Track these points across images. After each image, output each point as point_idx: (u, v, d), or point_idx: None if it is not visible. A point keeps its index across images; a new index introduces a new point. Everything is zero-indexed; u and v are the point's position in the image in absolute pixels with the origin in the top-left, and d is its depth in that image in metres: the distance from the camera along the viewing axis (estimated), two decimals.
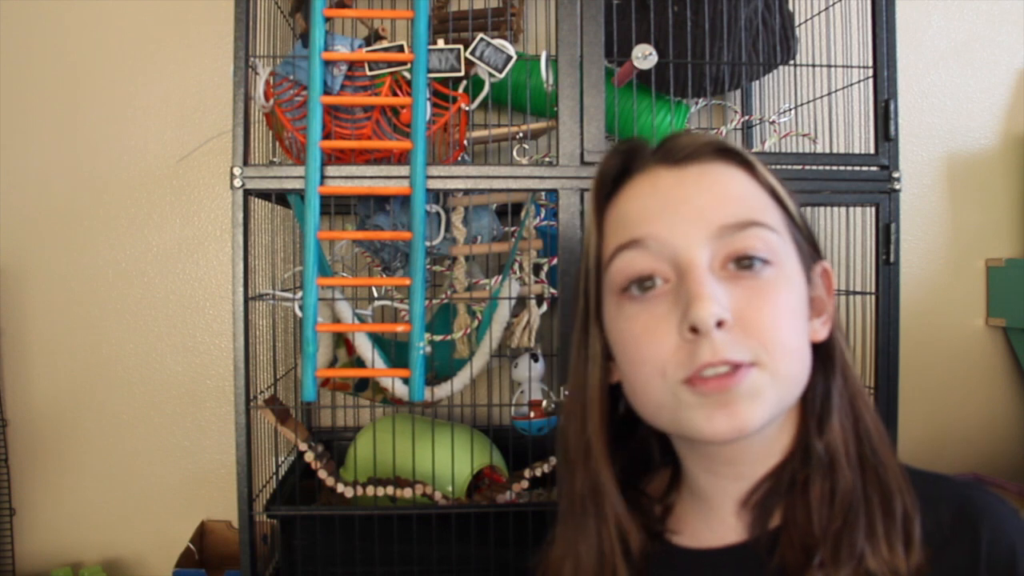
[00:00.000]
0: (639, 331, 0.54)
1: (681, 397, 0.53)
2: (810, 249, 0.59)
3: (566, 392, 0.64)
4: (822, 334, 0.58)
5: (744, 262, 0.53)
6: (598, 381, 0.59)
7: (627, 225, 0.56)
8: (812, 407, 0.57)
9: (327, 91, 1.10)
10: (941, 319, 1.63)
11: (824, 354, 0.58)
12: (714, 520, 0.60)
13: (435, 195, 1.25)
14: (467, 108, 1.15)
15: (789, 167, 1.16)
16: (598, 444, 0.59)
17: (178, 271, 1.54)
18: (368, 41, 1.20)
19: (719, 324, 0.51)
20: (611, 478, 0.59)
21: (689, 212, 0.54)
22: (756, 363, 0.51)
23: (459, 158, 1.21)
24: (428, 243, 1.23)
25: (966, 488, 0.57)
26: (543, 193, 1.24)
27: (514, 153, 1.26)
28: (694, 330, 0.51)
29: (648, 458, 0.65)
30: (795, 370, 0.54)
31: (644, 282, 0.54)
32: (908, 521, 0.53)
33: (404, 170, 1.07)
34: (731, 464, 0.58)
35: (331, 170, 1.06)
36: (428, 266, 1.34)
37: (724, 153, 0.57)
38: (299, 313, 1.08)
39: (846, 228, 1.29)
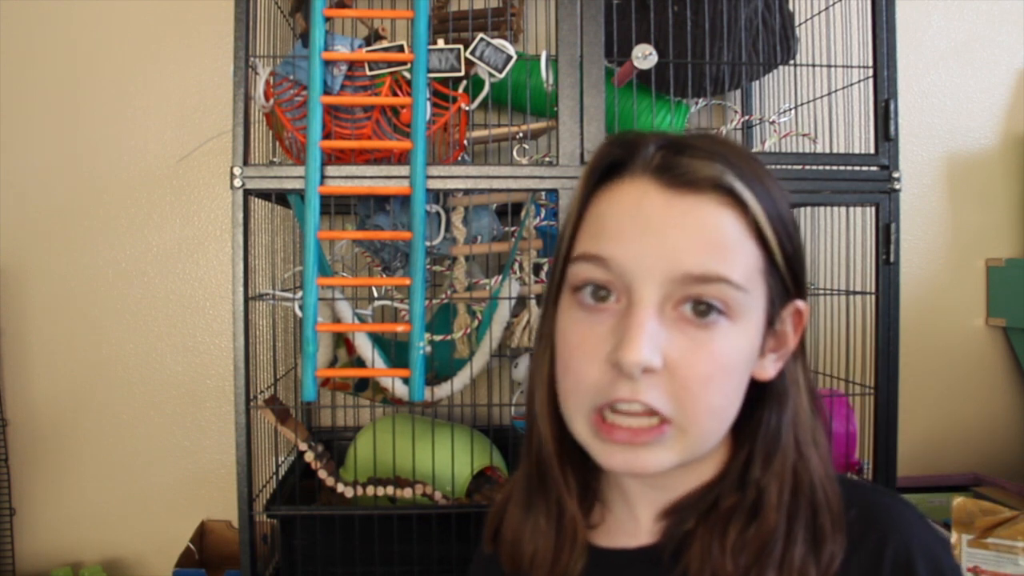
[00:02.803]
0: (575, 342, 0.54)
1: (588, 425, 0.54)
2: (789, 288, 0.57)
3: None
4: (770, 372, 0.57)
5: (700, 307, 0.52)
6: (547, 363, 0.60)
7: (599, 234, 0.54)
8: (759, 442, 0.56)
9: (327, 91, 1.10)
10: (941, 319, 1.63)
11: (776, 391, 0.57)
12: (628, 520, 0.61)
13: (435, 195, 1.25)
14: (467, 108, 1.15)
15: (789, 167, 1.16)
16: (544, 424, 0.60)
17: (178, 271, 1.54)
18: (368, 41, 1.20)
19: (646, 370, 0.50)
20: (557, 456, 0.60)
21: (660, 249, 0.52)
22: (669, 420, 0.51)
23: (459, 158, 1.21)
24: (428, 243, 1.23)
25: (876, 494, 0.57)
26: (543, 193, 1.24)
27: (514, 153, 1.26)
28: (619, 367, 0.51)
29: None
30: (711, 428, 0.54)
31: (600, 291, 0.54)
32: (831, 562, 0.53)
33: (404, 170, 1.07)
34: (650, 478, 0.59)
35: (331, 170, 1.06)
36: (428, 266, 1.34)
37: (721, 189, 0.53)
38: (299, 313, 1.08)
39: (846, 228, 1.29)
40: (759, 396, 0.57)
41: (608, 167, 0.57)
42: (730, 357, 0.52)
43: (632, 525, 0.61)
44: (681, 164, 0.53)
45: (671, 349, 0.51)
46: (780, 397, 0.57)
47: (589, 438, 0.54)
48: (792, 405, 0.57)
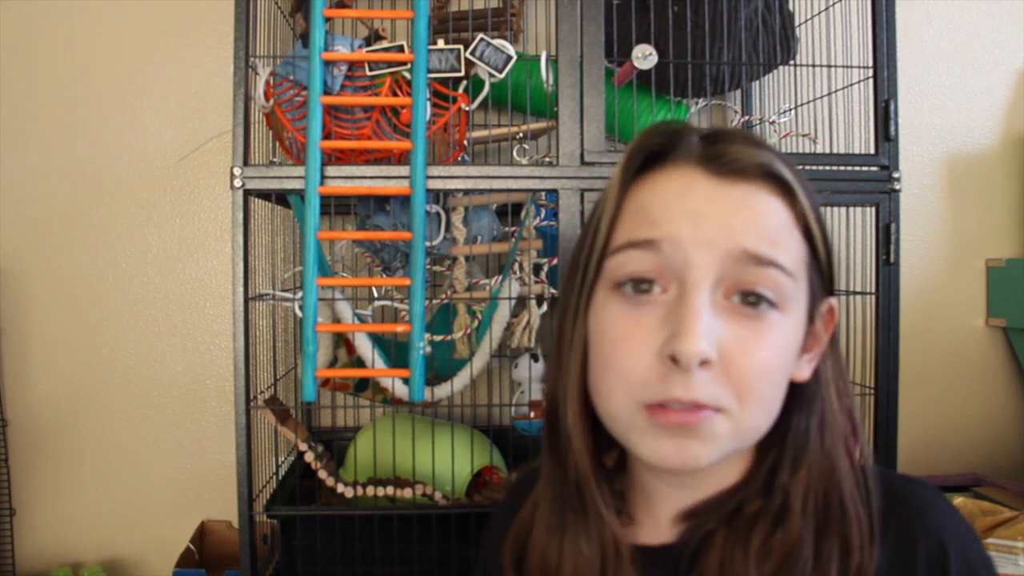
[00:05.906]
0: (619, 335, 0.51)
1: (636, 420, 0.51)
2: (825, 284, 0.55)
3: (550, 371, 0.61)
4: (805, 373, 0.55)
5: (750, 298, 0.50)
6: (578, 368, 0.56)
7: (646, 221, 0.52)
8: (788, 446, 0.54)
9: (327, 91, 1.10)
10: (941, 319, 1.63)
11: (807, 393, 0.55)
12: (647, 518, 0.60)
13: (435, 195, 1.25)
14: (467, 108, 1.15)
15: None
16: (579, 437, 0.56)
17: (178, 271, 1.54)
18: (368, 41, 1.20)
19: (702, 363, 0.48)
20: (593, 470, 0.57)
21: (714, 230, 0.50)
22: (724, 410, 0.49)
23: (459, 158, 1.21)
24: (428, 243, 1.23)
25: (908, 483, 0.56)
26: (543, 193, 1.24)
27: (514, 153, 1.26)
28: (675, 359, 0.48)
29: None
30: (760, 423, 0.52)
31: (641, 284, 0.51)
32: (860, 573, 0.51)
33: (404, 170, 1.07)
34: (677, 476, 0.57)
35: (331, 170, 1.06)
36: (428, 266, 1.34)
37: (770, 177, 0.52)
38: (299, 313, 1.08)
39: (846, 228, 1.29)
40: (789, 398, 0.54)
41: (648, 157, 0.55)
42: (782, 349, 0.51)
43: (651, 522, 0.60)
44: (728, 152, 0.52)
45: (726, 339, 0.49)
46: (810, 400, 0.55)
47: (636, 434, 0.51)
48: (821, 408, 0.55)
